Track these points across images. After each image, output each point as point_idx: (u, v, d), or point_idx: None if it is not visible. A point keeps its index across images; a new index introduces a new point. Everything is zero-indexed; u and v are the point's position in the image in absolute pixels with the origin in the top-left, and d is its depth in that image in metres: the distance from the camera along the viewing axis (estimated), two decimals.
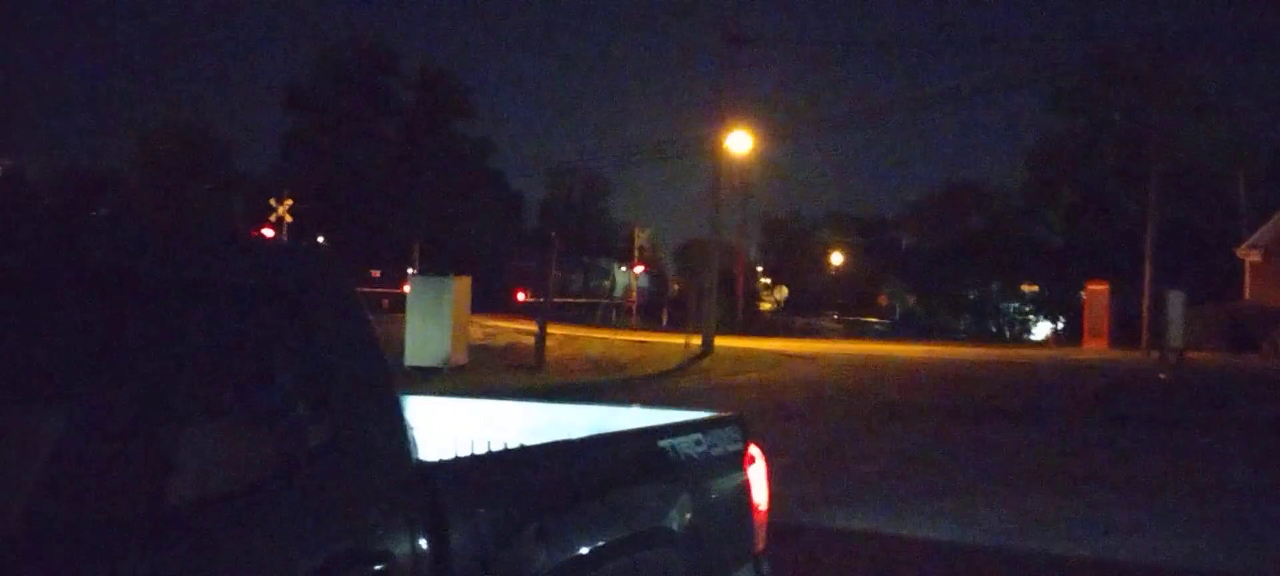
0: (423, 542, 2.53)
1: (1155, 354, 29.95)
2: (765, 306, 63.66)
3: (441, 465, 2.79)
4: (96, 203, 55.81)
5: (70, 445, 2.04)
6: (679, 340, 28.74)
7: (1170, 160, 41.42)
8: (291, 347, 2.52)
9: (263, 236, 35.32)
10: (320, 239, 49.08)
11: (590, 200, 77.03)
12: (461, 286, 22.55)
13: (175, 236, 2.42)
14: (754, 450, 4.08)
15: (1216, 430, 15.16)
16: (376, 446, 2.58)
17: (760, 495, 4.02)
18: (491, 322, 36.03)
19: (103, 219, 2.30)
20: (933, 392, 20.50)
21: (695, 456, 3.73)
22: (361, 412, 2.58)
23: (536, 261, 46.06)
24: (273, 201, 43.16)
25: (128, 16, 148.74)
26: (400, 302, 29.66)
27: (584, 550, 3.06)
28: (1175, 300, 28.40)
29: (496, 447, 4.27)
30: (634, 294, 62.31)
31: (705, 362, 26.72)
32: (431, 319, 21.67)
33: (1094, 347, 38.16)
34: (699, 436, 3.81)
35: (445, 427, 4.51)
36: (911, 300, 67.15)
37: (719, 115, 32.02)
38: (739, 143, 33.56)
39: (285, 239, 38.70)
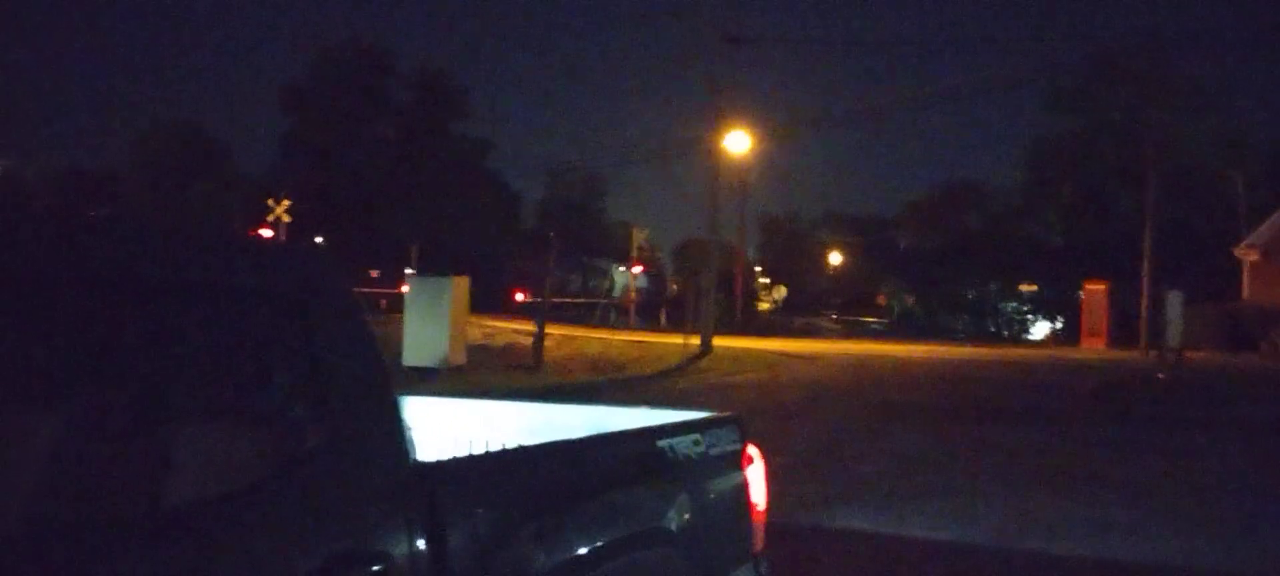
0: (421, 543, 2.53)
1: (1153, 353, 29.98)
2: (763, 306, 63.63)
3: (440, 465, 2.80)
4: (96, 203, 55.78)
5: (70, 445, 2.04)
6: (677, 340, 28.71)
7: (1169, 160, 41.43)
8: (289, 348, 2.52)
9: (261, 237, 35.30)
10: (318, 239, 49.05)
11: (589, 200, 76.98)
12: (459, 286, 22.54)
13: (174, 237, 2.42)
14: (752, 450, 4.09)
15: (1215, 429, 15.17)
16: (375, 447, 2.58)
17: (759, 495, 4.02)
18: (490, 323, 35.99)
19: (102, 219, 2.30)
20: (931, 392, 20.50)
21: (694, 456, 3.73)
22: (360, 413, 2.58)
23: (535, 261, 46.04)
24: (270, 201, 43.05)
25: (127, 16, 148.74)
26: (398, 303, 29.64)
27: (582, 550, 3.06)
28: (1173, 299, 28.40)
29: (495, 448, 4.28)
30: (632, 294, 62.21)
31: (703, 362, 26.71)
32: (430, 319, 21.66)
33: (1092, 347, 38.17)
34: (697, 436, 3.81)
35: (444, 428, 4.51)
36: (910, 300, 67.10)
37: (717, 115, 32.03)
38: (737, 142, 33.58)
39: (283, 239, 38.67)
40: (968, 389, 21.20)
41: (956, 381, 22.94)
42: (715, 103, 32.10)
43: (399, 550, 2.48)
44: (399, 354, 20.92)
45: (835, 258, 76.03)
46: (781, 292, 58.56)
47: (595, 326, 41.05)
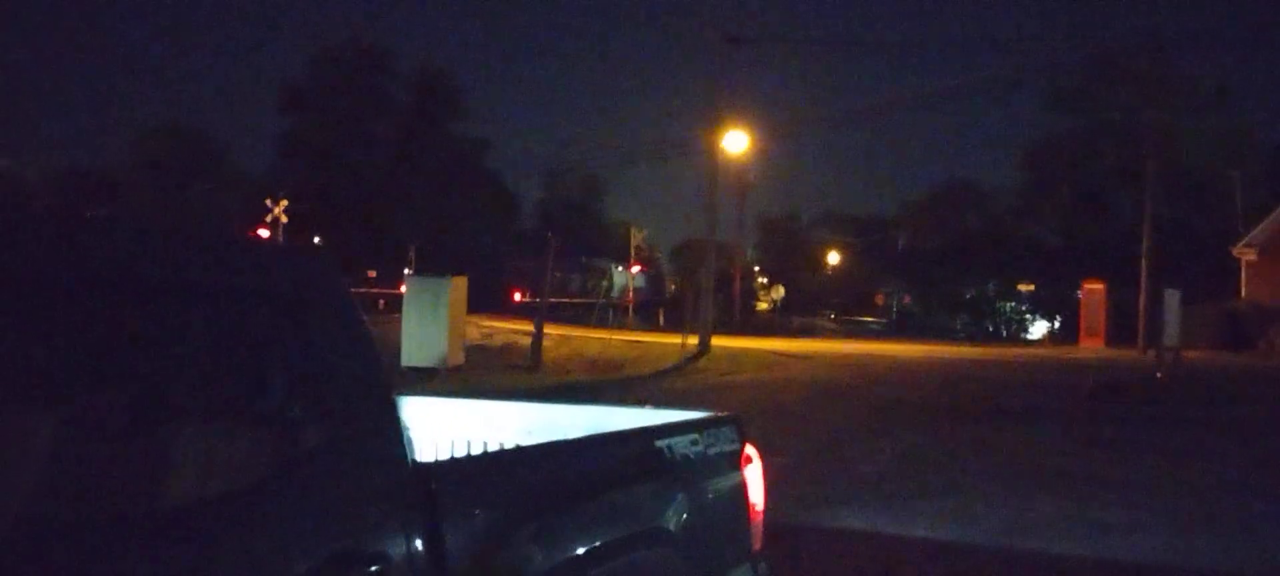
0: (419, 543, 2.54)
1: (1151, 352, 29.95)
2: (762, 306, 63.64)
3: (438, 465, 2.80)
4: (96, 203, 55.73)
5: (70, 445, 2.04)
6: (676, 340, 28.74)
7: (1167, 159, 41.45)
8: (288, 349, 2.52)
9: (259, 237, 35.31)
10: (317, 239, 49.06)
11: (588, 200, 76.99)
12: (458, 287, 22.57)
13: (173, 238, 2.43)
14: (751, 450, 4.09)
15: (1213, 429, 15.17)
16: (373, 447, 2.59)
17: (757, 495, 4.02)
18: (488, 323, 36.03)
19: (102, 220, 2.31)
20: (930, 392, 20.49)
21: (692, 456, 3.73)
22: (358, 413, 2.58)
23: (533, 261, 46.02)
24: (269, 202, 43.09)
25: (127, 17, 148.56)
26: (397, 303, 29.67)
27: (581, 550, 3.06)
28: (1172, 299, 28.38)
29: (493, 448, 4.28)
30: (631, 294, 62.26)
31: (702, 362, 26.71)
32: (428, 319, 21.67)
33: (1090, 346, 38.17)
34: (696, 436, 3.81)
35: (442, 428, 4.51)
36: (908, 300, 67.16)
37: (716, 115, 32.03)
38: (736, 142, 33.57)
39: (281, 240, 38.66)
40: (966, 388, 21.19)
41: (955, 381, 22.94)
42: (715, 103, 32.11)
43: (397, 550, 2.48)
44: (398, 354, 20.93)
45: (834, 258, 76.02)
46: (780, 293, 58.50)
47: (594, 326, 41.04)
